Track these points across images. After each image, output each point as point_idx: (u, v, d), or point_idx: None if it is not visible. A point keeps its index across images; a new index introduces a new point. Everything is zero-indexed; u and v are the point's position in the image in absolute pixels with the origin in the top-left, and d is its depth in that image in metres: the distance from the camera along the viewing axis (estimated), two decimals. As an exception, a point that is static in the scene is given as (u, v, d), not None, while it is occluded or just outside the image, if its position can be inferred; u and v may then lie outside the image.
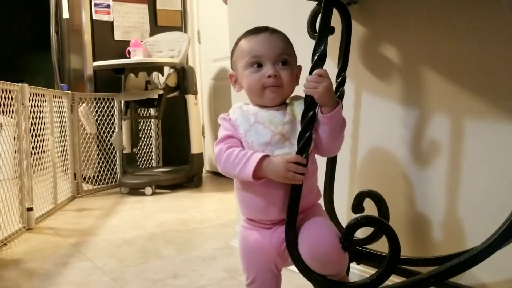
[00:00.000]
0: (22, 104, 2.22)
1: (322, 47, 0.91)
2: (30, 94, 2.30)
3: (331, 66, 1.23)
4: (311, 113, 0.91)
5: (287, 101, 1.01)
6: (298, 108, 0.96)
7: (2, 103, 2.03)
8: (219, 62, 3.62)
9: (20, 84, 2.21)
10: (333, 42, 1.18)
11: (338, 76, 1.25)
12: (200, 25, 3.88)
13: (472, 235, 1.06)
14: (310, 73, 0.92)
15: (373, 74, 1.28)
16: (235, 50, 1.04)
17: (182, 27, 3.81)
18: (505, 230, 0.79)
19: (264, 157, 0.91)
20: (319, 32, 0.94)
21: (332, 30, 1.27)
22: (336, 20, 1.20)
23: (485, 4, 1.01)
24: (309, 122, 0.91)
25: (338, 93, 1.24)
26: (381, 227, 0.88)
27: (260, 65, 0.97)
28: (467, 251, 0.85)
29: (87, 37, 3.41)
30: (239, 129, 0.97)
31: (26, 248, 1.95)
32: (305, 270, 0.91)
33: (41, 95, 2.50)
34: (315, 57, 0.92)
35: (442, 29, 1.11)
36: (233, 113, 1.01)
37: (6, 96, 2.07)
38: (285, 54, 0.98)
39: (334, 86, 1.23)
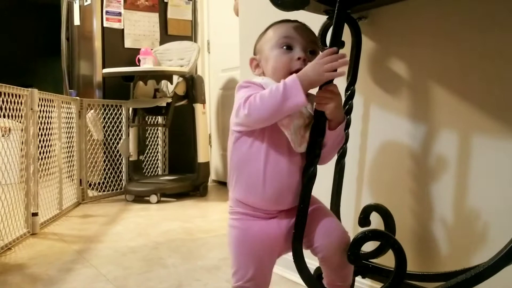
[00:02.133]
0: (31, 109, 2.24)
1: (333, 60, 0.91)
2: (39, 99, 2.32)
3: (340, 80, 1.24)
4: (320, 127, 0.91)
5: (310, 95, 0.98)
6: None
7: (11, 107, 2.05)
8: (228, 72, 3.63)
9: (29, 89, 2.23)
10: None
11: (347, 89, 1.26)
12: (210, 35, 3.91)
13: (479, 252, 1.05)
14: (321, 87, 0.92)
15: (382, 88, 1.28)
16: (263, 35, 1.03)
17: (192, 37, 3.83)
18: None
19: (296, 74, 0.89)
20: (330, 47, 0.94)
21: (342, 44, 1.28)
22: (346, 34, 1.20)
23: (495, 21, 1.01)
24: (318, 135, 0.91)
25: (347, 106, 1.25)
26: (388, 241, 0.87)
27: (289, 48, 0.96)
28: (474, 268, 0.84)
29: (98, 44, 3.43)
30: None
31: (30, 253, 1.95)
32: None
33: (50, 100, 2.51)
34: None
35: (451, 45, 1.10)
36: (261, 79, 0.97)
37: (16, 100, 2.09)
38: (315, 44, 1.00)
39: (343, 99, 1.24)
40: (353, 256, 0.87)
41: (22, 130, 2.22)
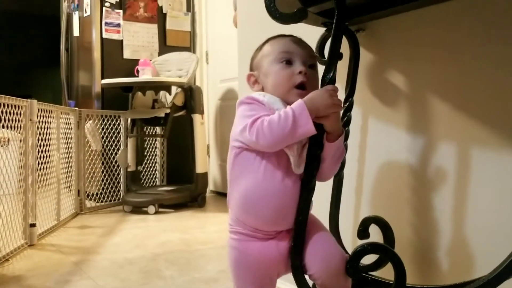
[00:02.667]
0: (30, 120, 2.24)
1: (332, 74, 0.92)
2: (38, 110, 2.32)
3: (338, 91, 1.24)
4: (319, 140, 0.91)
5: None
6: None
7: (10, 118, 2.05)
8: (227, 82, 3.64)
9: (29, 100, 2.23)
10: (341, 68, 1.19)
11: (345, 101, 1.26)
12: (209, 46, 3.93)
13: (479, 264, 1.05)
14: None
15: (380, 100, 1.29)
16: (261, 50, 1.03)
17: (191, 48, 3.85)
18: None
19: (302, 100, 0.89)
20: (329, 59, 0.95)
21: (340, 56, 1.29)
22: (344, 46, 1.21)
23: (494, 33, 1.02)
24: (316, 148, 0.91)
25: (345, 118, 1.25)
26: (387, 254, 0.87)
27: (289, 62, 0.96)
28: (475, 281, 0.84)
29: (97, 54, 3.44)
30: (275, 113, 0.91)
31: (28, 264, 1.94)
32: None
33: (48, 111, 2.51)
34: (324, 84, 0.92)
35: (449, 57, 1.11)
36: (263, 97, 0.95)
37: (15, 111, 2.09)
38: (314, 58, 1.00)
39: (342, 111, 1.25)
40: (352, 269, 0.87)
41: (21, 141, 2.22)
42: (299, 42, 1.00)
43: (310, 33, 1.18)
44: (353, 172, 1.35)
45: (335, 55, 0.95)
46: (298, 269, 0.90)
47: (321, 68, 1.02)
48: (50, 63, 5.63)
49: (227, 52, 3.51)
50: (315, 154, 0.91)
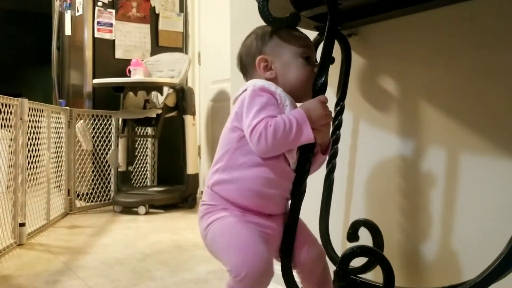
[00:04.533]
0: (21, 119, 2.23)
1: (323, 79, 0.93)
2: (29, 109, 2.31)
3: (330, 95, 1.26)
4: (309, 153, 0.93)
5: None
6: None
7: (1, 117, 2.04)
8: (218, 84, 3.65)
9: (19, 99, 2.22)
10: (332, 71, 1.20)
11: (337, 105, 1.28)
12: (201, 47, 3.93)
13: (467, 268, 1.06)
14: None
15: (371, 104, 1.30)
16: (275, 35, 1.00)
17: (183, 48, 3.85)
18: (500, 264, 0.80)
19: (300, 108, 0.91)
20: (321, 64, 0.96)
21: (332, 61, 1.30)
22: (335, 49, 1.23)
23: (484, 39, 1.03)
24: (308, 151, 0.93)
25: (337, 122, 1.27)
26: (376, 257, 0.89)
27: (308, 59, 0.99)
28: (461, 284, 0.85)
29: (88, 54, 3.43)
30: (285, 109, 0.93)
31: (17, 264, 1.93)
32: None
33: (39, 110, 2.50)
34: (316, 88, 0.94)
35: (439, 62, 1.13)
36: (275, 88, 0.95)
37: (5, 110, 2.08)
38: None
39: (333, 115, 1.26)
40: (341, 272, 0.88)
41: (11, 139, 2.20)
42: (310, 41, 1.05)
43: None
44: (343, 174, 1.36)
45: (328, 60, 0.96)
46: (288, 270, 0.91)
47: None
48: (41, 61, 5.60)
49: (219, 53, 3.52)
50: (306, 157, 0.92)
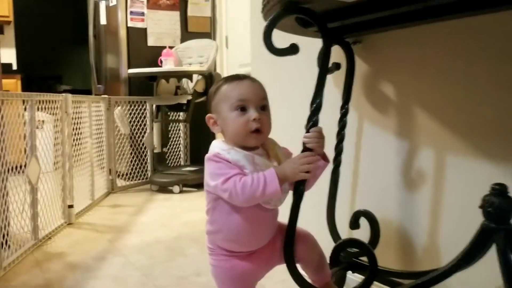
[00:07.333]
0: (66, 112, 2.47)
1: (319, 100, 1.07)
2: (72, 102, 2.55)
3: (336, 98, 1.42)
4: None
5: (267, 144, 1.12)
6: (280, 153, 1.11)
7: (48, 112, 2.28)
8: (245, 67, 3.79)
9: (64, 94, 2.46)
10: (339, 76, 1.38)
11: (342, 107, 1.43)
12: (228, 31, 4.07)
13: (449, 254, 1.22)
14: (308, 122, 1.08)
15: (373, 106, 1.45)
16: (217, 93, 1.09)
17: (211, 33, 4.01)
18: (461, 257, 0.96)
19: (274, 169, 1.02)
20: (316, 87, 1.09)
21: (338, 67, 1.45)
22: (341, 56, 1.38)
23: (474, 55, 1.16)
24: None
25: (342, 122, 1.42)
26: (361, 248, 1.06)
27: (243, 109, 1.04)
28: (434, 271, 1.02)
29: (123, 42, 3.64)
30: (244, 169, 1.03)
31: (68, 242, 2.20)
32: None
33: (81, 102, 2.74)
34: (312, 108, 1.07)
35: (429, 73, 1.26)
36: (229, 154, 1.04)
37: (51, 106, 2.31)
38: (265, 100, 1.07)
39: (338, 116, 1.42)
40: (334, 259, 1.06)
41: (55, 121, 2.42)
42: (253, 86, 1.07)
43: (308, 44, 1.32)
44: (349, 168, 1.52)
45: (322, 84, 1.08)
46: (291, 262, 1.09)
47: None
48: (79, 43, 5.82)
49: (246, 36, 3.65)
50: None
